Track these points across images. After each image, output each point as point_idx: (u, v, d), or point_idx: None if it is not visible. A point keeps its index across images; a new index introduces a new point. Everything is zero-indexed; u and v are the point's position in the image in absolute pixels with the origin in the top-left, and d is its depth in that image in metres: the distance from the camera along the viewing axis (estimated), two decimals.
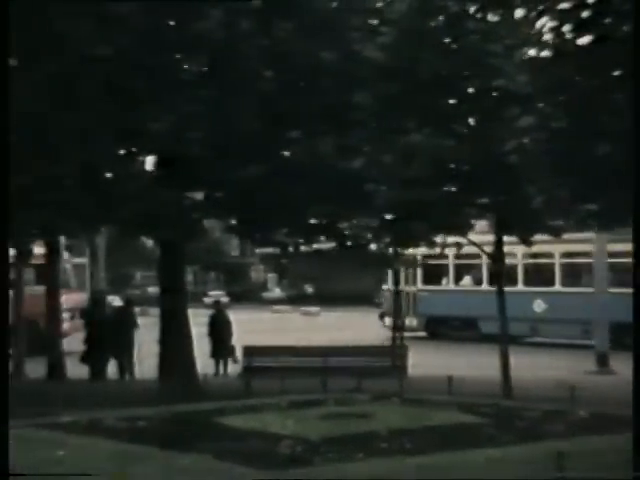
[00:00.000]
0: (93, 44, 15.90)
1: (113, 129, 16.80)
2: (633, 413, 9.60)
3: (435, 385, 17.68)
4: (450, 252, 28.50)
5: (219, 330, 24.39)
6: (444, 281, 35.33)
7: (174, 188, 17.65)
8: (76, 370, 23.12)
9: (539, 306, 30.79)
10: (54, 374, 23.07)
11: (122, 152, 18.60)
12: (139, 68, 16.65)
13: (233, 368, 23.40)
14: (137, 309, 26.97)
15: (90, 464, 9.59)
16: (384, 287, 37.46)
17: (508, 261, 26.63)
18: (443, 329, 35.12)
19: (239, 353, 22.83)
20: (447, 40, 17.42)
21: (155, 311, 23.61)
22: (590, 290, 25.80)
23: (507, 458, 9.99)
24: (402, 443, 10.92)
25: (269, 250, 23.70)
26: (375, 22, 17.49)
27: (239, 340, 24.18)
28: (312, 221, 19.93)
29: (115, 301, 41.78)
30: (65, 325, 26.50)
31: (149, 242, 45.26)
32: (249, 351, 20.65)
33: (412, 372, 21.71)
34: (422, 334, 35.13)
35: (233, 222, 20.76)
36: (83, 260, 41.54)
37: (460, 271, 34.85)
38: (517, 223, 18.70)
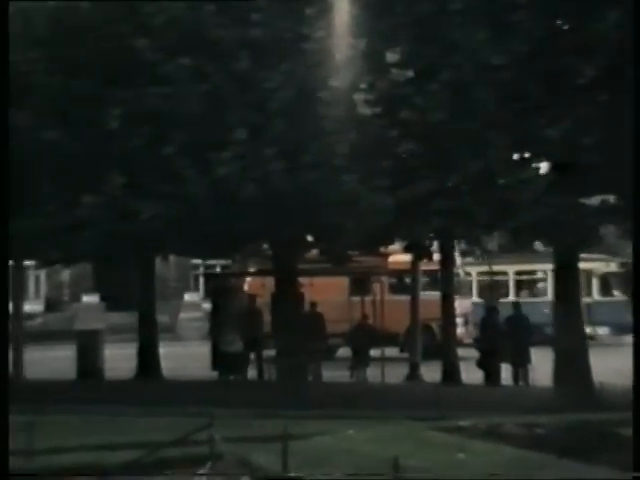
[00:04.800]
0: (488, 52, 16.09)
1: (509, 136, 16.87)
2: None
3: None
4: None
5: None
6: None
7: (569, 193, 17.43)
8: (470, 375, 23.39)
9: None
10: (449, 378, 23.45)
11: (517, 158, 18.62)
12: (534, 74, 16.62)
13: None
14: None
15: (489, 469, 9.67)
16: None
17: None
18: None
19: None
20: None
21: None
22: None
23: None
24: None
25: None
26: None
27: None
28: None
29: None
30: (458, 330, 26.89)
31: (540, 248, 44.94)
32: None
33: None
34: None
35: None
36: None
37: None
38: None
